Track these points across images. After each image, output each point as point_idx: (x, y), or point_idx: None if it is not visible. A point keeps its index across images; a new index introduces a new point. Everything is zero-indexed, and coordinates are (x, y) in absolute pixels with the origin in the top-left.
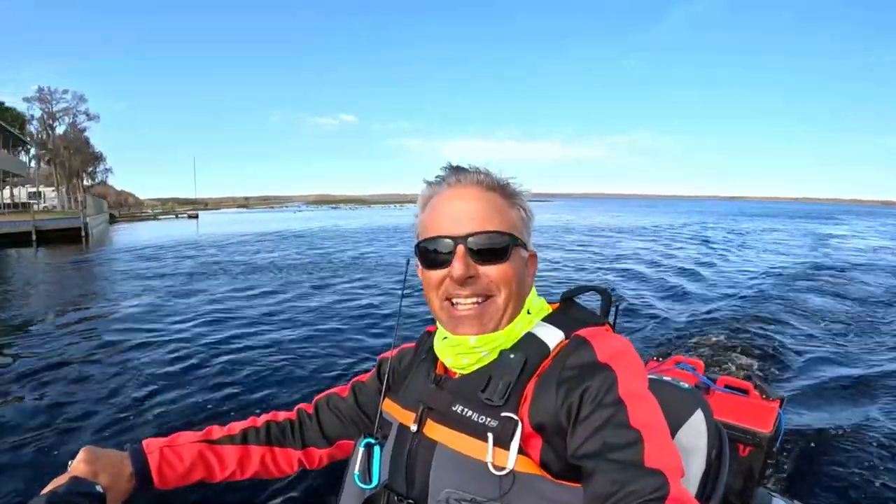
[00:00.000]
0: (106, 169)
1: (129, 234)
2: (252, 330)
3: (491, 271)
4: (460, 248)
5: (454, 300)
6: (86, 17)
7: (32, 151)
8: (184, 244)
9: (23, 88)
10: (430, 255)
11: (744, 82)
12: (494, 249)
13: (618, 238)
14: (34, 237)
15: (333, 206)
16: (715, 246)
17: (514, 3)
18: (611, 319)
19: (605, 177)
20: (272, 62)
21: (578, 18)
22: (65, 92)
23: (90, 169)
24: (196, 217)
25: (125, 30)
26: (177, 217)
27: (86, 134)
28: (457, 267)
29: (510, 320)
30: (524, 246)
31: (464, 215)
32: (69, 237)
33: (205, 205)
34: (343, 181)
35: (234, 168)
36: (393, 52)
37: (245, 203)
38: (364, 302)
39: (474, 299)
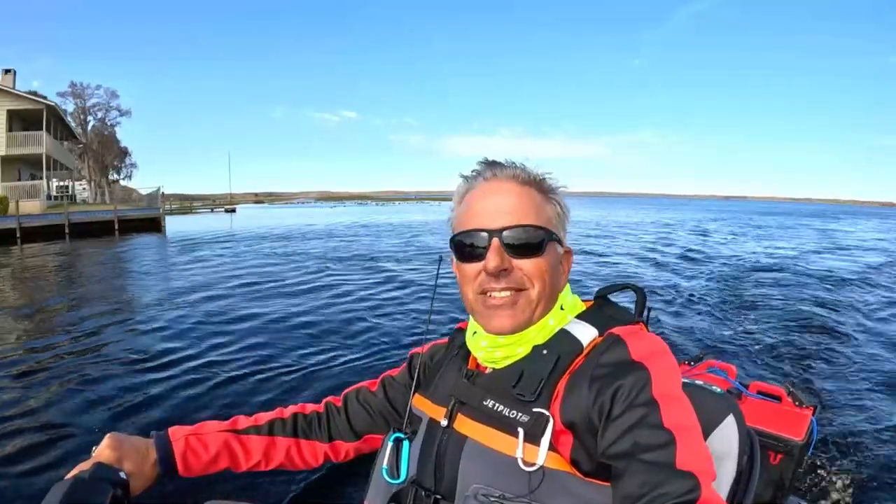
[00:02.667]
0: (132, 164)
1: (192, 226)
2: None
3: (525, 265)
4: (495, 241)
5: (489, 293)
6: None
7: (66, 145)
8: (277, 234)
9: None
10: (466, 248)
11: (744, 82)
12: (529, 243)
13: (637, 234)
14: (116, 227)
15: (360, 202)
16: (742, 242)
17: (516, 3)
18: (644, 318)
19: (606, 176)
20: (275, 62)
21: (582, 19)
22: (97, 87)
23: (118, 163)
24: (233, 211)
25: (125, 30)
26: (212, 211)
27: (115, 129)
28: (491, 259)
29: (543, 314)
30: (559, 242)
31: (499, 209)
32: (147, 227)
33: (213, 200)
34: (344, 178)
35: (236, 164)
36: (393, 50)
37: (258, 199)
38: None
39: (507, 292)
